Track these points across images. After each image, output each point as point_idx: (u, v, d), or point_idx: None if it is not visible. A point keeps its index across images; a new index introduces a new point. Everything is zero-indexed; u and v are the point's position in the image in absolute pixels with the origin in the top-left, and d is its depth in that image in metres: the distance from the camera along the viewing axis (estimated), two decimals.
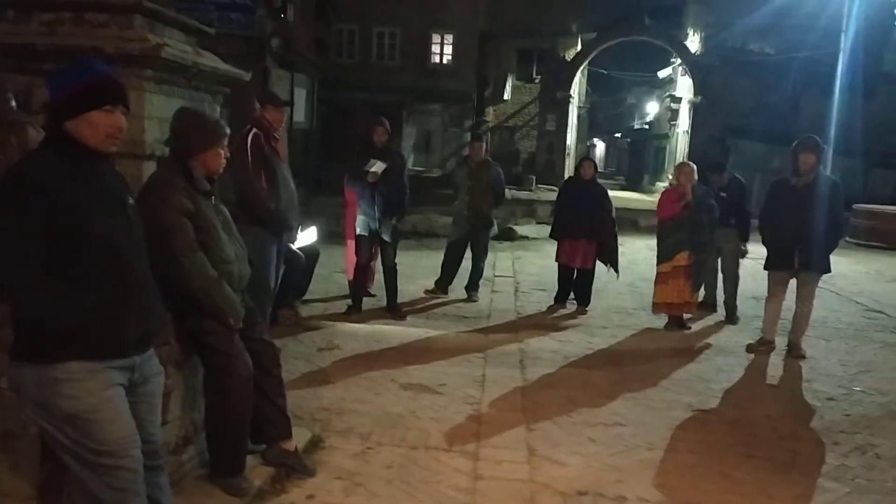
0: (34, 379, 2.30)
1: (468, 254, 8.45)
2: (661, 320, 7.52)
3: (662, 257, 7.30)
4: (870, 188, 21.06)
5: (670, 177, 26.25)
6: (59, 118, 2.34)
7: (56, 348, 2.27)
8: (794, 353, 6.56)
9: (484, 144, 8.55)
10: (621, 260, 11.93)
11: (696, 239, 7.09)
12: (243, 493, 3.38)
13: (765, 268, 6.79)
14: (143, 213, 3.18)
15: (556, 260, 8.10)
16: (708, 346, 6.87)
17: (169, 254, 3.18)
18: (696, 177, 7.16)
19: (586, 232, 7.75)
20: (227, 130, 3.50)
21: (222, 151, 3.43)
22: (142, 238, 2.57)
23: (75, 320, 2.28)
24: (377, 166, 6.89)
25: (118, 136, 2.40)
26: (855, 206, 17.20)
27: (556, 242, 8.17)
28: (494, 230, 9.24)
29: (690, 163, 7.41)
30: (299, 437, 4.05)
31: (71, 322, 2.27)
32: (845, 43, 18.51)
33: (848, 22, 18.37)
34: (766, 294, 6.81)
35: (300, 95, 20.46)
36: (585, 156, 8.36)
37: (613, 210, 8.05)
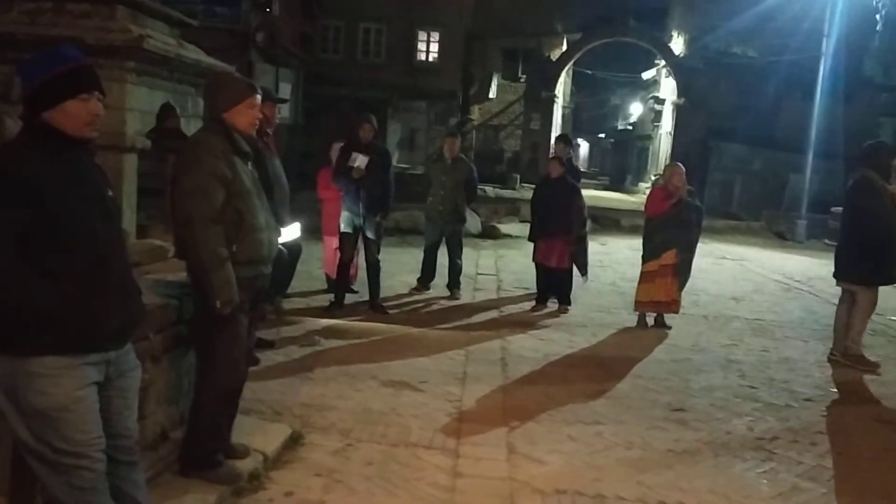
0: (7, 370, 2.27)
1: (445, 249, 8.46)
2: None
3: (649, 256, 7.33)
4: None
5: (653, 177, 26.47)
6: (36, 109, 2.32)
7: (32, 340, 2.25)
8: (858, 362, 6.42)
9: (458, 140, 8.56)
10: (604, 259, 12.02)
11: (683, 237, 7.14)
12: (236, 478, 3.37)
13: (879, 283, 6.35)
14: (175, 172, 3.17)
15: (533, 259, 8.12)
16: (688, 345, 6.92)
17: (186, 217, 3.13)
18: (685, 178, 7.20)
19: (559, 230, 7.77)
20: (258, 87, 3.42)
21: (252, 110, 3.35)
22: (121, 230, 2.55)
23: (52, 311, 2.25)
24: (360, 160, 6.87)
25: (96, 123, 2.40)
26: (833, 209, 17.38)
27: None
28: (468, 226, 9.30)
29: (680, 164, 7.46)
30: (279, 433, 4.04)
31: (48, 313, 2.25)
32: (827, 47, 18.66)
33: (830, 27, 18.52)
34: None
35: (285, 90, 20.36)
36: (553, 155, 8.35)
37: (585, 208, 8.06)
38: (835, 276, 6.61)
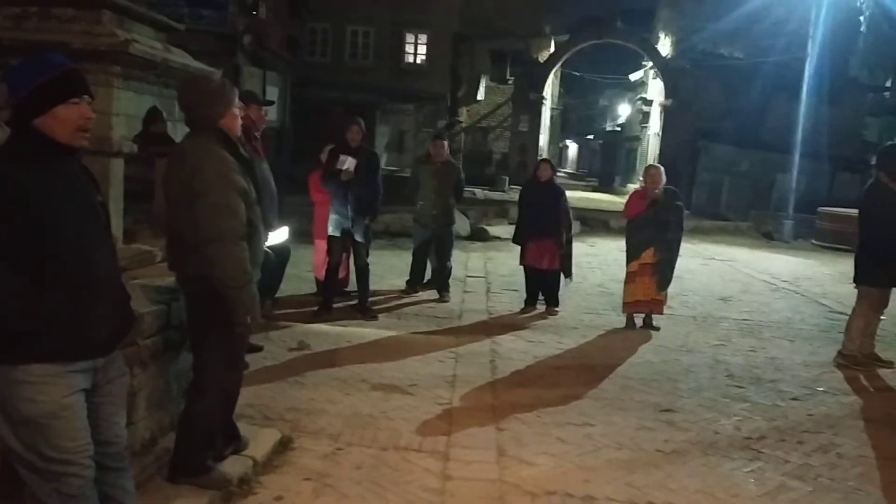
0: None
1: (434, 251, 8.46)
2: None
3: (631, 256, 7.41)
4: (835, 191, 21.47)
5: (640, 179, 26.65)
6: (26, 116, 2.30)
7: (20, 349, 2.24)
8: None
9: (445, 143, 8.56)
10: (593, 260, 12.08)
11: (662, 237, 7.19)
12: (226, 483, 3.37)
13: (888, 285, 6.38)
14: (196, 189, 3.06)
15: (521, 263, 8.10)
16: (676, 346, 6.95)
17: (215, 234, 3.06)
18: (664, 178, 7.26)
19: (549, 232, 7.79)
20: (235, 89, 3.42)
21: (237, 111, 3.35)
22: (110, 236, 2.54)
23: (41, 319, 2.24)
24: (348, 163, 6.87)
25: (87, 128, 2.38)
26: (820, 209, 17.54)
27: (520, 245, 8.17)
28: (457, 228, 9.32)
29: (658, 165, 7.54)
30: (269, 438, 4.03)
31: (36, 321, 2.24)
32: (812, 48, 18.80)
33: (815, 28, 18.66)
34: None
35: (272, 93, 20.29)
36: (542, 158, 8.37)
37: (570, 211, 8.09)
38: (853, 280, 6.58)
